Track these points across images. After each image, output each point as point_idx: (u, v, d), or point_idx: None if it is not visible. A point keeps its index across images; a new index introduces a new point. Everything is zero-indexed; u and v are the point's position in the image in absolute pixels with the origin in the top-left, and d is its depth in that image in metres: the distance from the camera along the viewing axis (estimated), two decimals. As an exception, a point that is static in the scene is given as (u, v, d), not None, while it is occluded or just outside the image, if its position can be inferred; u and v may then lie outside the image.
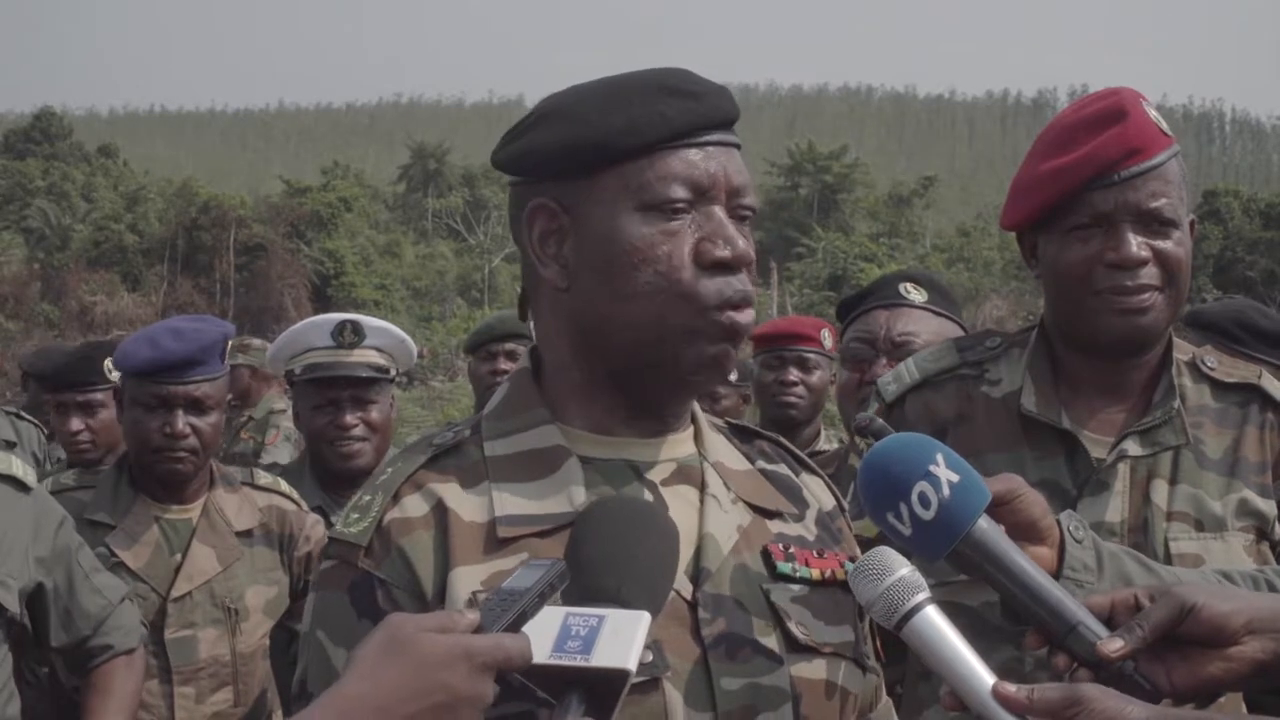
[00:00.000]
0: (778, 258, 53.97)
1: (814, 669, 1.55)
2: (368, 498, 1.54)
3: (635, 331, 1.52)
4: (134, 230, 52.19)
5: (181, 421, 3.22)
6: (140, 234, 51.85)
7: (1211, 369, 2.25)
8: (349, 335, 3.64)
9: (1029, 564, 1.50)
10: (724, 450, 1.65)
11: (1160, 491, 2.16)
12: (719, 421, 1.71)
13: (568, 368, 1.58)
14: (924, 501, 1.48)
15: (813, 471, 1.74)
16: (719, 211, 1.53)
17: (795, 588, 1.57)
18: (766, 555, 1.57)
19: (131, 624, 3.02)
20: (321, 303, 44.35)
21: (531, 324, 1.65)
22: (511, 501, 1.51)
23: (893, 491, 1.50)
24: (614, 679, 1.25)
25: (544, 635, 1.27)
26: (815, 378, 4.34)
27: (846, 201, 69.03)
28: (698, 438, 1.63)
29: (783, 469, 1.70)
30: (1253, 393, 2.24)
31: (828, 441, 4.56)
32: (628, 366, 1.54)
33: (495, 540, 1.49)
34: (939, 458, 1.50)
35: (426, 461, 1.55)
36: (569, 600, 1.31)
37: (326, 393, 3.64)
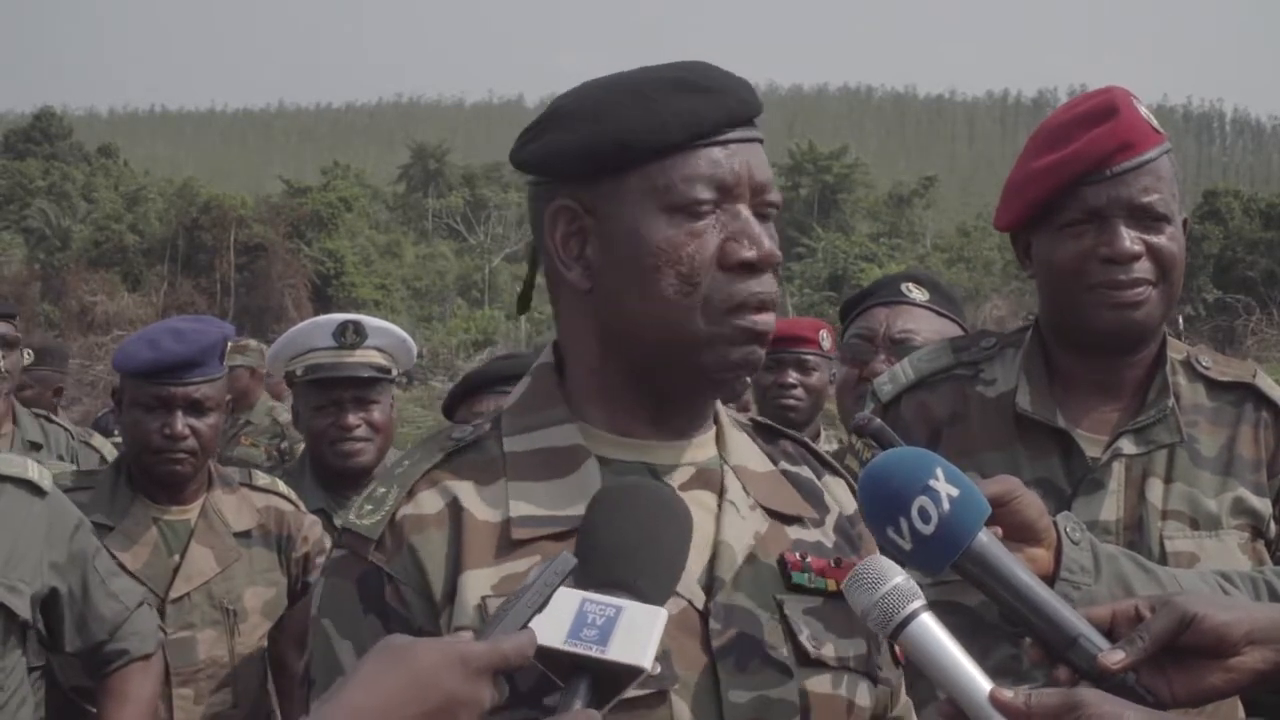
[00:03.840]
0: (778, 258, 53.71)
1: (824, 683, 1.53)
2: (383, 489, 1.53)
3: (660, 333, 1.50)
4: (134, 230, 52.06)
5: (181, 423, 3.23)
6: (140, 234, 51.73)
7: (1206, 368, 2.25)
8: (350, 335, 3.64)
9: (1029, 576, 1.49)
10: (746, 452, 1.62)
11: (1155, 490, 2.16)
12: (743, 419, 1.69)
13: (592, 368, 1.56)
14: (924, 516, 1.47)
15: (836, 473, 1.71)
16: (744, 210, 1.51)
17: (809, 599, 1.55)
18: (782, 564, 1.55)
19: (148, 629, 3.01)
20: (322, 303, 44.25)
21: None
22: (527, 502, 1.50)
23: (892, 506, 1.49)
24: (627, 674, 1.26)
25: (559, 618, 1.26)
26: (814, 379, 4.35)
27: (847, 201, 68.90)
28: (720, 439, 1.61)
29: (805, 471, 1.67)
30: (1247, 391, 2.24)
31: (828, 442, 4.57)
32: (653, 367, 1.53)
33: (509, 542, 1.48)
34: (938, 471, 1.49)
35: (445, 457, 1.54)
36: (583, 584, 1.30)
37: (328, 393, 3.64)
